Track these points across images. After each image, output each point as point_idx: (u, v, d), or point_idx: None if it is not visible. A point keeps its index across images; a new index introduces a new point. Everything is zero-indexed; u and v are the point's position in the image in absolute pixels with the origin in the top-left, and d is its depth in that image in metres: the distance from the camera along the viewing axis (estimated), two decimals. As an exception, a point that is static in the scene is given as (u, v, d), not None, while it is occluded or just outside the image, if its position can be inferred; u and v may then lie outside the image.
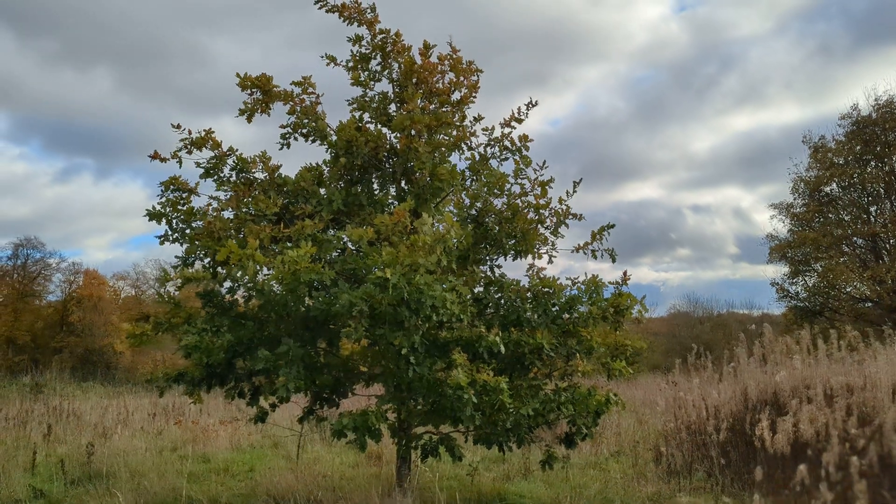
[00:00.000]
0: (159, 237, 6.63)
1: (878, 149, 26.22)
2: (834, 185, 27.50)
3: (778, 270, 30.35)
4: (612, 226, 7.28)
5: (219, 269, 6.26)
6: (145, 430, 12.52)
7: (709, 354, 10.14)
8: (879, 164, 26.56)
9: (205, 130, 6.50)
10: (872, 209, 27.26)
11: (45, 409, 15.07)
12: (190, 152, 6.52)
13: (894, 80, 48.80)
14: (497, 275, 7.20)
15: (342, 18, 7.00)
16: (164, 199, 6.61)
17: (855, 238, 27.27)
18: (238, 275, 5.81)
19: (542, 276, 7.05)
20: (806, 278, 28.56)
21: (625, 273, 6.94)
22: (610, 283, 6.94)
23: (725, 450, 7.48)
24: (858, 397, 5.18)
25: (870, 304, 25.30)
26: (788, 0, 60.66)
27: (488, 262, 7.26)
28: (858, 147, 26.53)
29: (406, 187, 6.98)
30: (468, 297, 6.58)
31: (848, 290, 27.00)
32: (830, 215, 27.85)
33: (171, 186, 6.55)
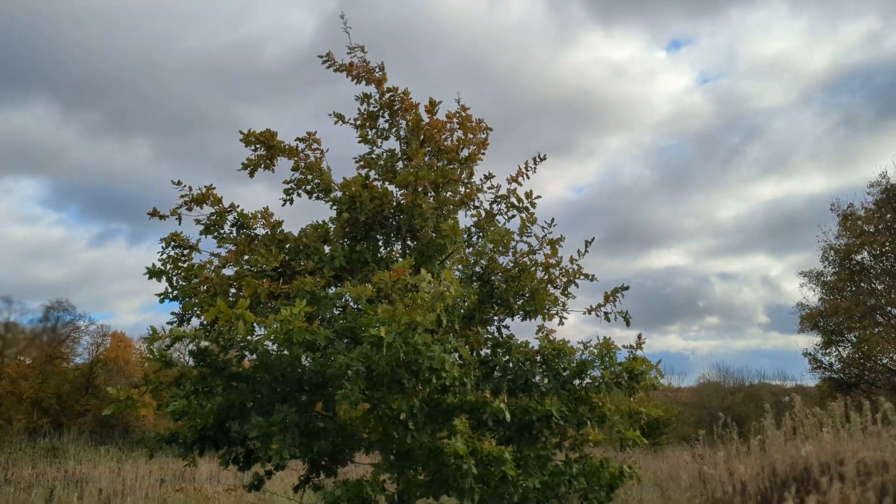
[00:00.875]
0: (159, 295, 6.49)
1: (910, 216, 25.63)
2: (865, 253, 26.83)
3: (810, 340, 29.44)
4: (626, 287, 7.01)
5: (212, 328, 6.07)
6: (149, 498, 12.13)
7: (735, 426, 9.60)
8: (912, 233, 25.91)
9: (205, 187, 6.45)
10: (906, 278, 26.45)
11: (57, 472, 14.80)
12: (190, 209, 6.45)
13: (923, 149, 48.71)
14: (505, 336, 6.90)
15: (350, 77, 7.00)
16: (164, 256, 6.51)
17: (889, 308, 26.38)
18: (230, 334, 5.61)
19: (552, 338, 6.74)
20: (839, 349, 27.57)
21: (639, 336, 6.61)
22: (624, 346, 6.61)
23: (752, 531, 6.90)
24: (893, 474, 4.73)
25: (908, 377, 24.22)
26: (811, 73, 61.30)
27: (496, 323, 6.98)
28: (889, 215, 25.98)
29: (411, 244, 6.80)
30: (471, 358, 6.29)
31: (884, 361, 25.96)
32: (863, 284, 27.06)
33: (172, 243, 6.45)
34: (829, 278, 27.67)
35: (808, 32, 62.60)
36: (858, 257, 26.89)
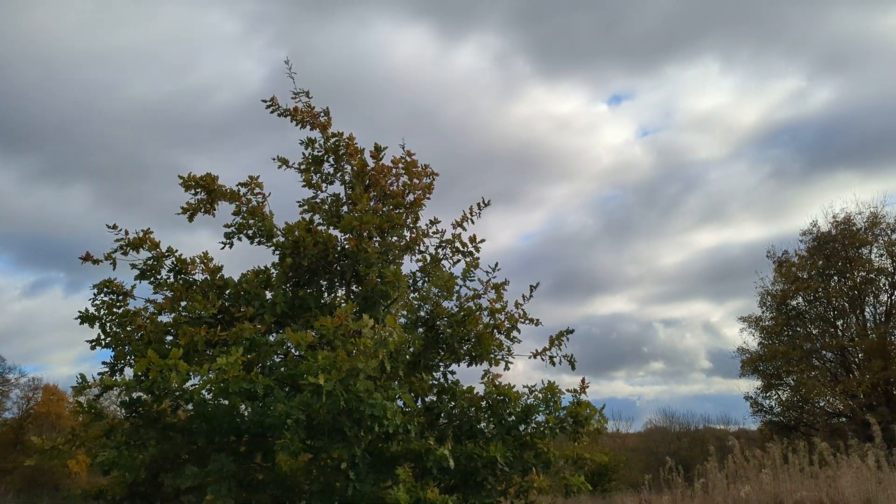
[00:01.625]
0: (91, 342, 6.24)
1: (840, 264, 26.74)
2: (800, 298, 27.79)
3: (751, 384, 30.11)
4: (571, 331, 7.06)
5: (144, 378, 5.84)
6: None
7: (681, 470, 9.67)
8: (842, 279, 26.99)
9: (143, 231, 6.27)
10: (839, 323, 27.43)
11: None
12: (126, 253, 6.26)
13: (850, 200, 51.34)
14: (450, 382, 6.83)
15: (295, 122, 6.99)
16: (98, 302, 6.28)
17: (824, 351, 27.26)
18: (163, 384, 5.40)
19: (497, 383, 6.71)
20: (779, 392, 28.25)
21: (583, 380, 6.63)
22: (568, 391, 6.62)
23: (698, 576, 6.91)
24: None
25: (843, 420, 24.90)
26: (743, 127, 64.60)
27: (441, 368, 6.92)
28: (821, 262, 27.05)
29: (356, 290, 6.73)
30: (415, 405, 6.20)
31: (821, 404, 26.69)
32: (798, 328, 27.94)
33: (105, 289, 6.23)
34: (766, 323, 28.48)
35: (739, 90, 65.98)
36: (794, 302, 27.80)
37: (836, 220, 26.91)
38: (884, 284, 26.41)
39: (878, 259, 26.44)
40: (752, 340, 29.72)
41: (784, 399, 27.72)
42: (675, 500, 8.90)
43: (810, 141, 58.96)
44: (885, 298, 26.48)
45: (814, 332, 27.64)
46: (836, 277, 27.13)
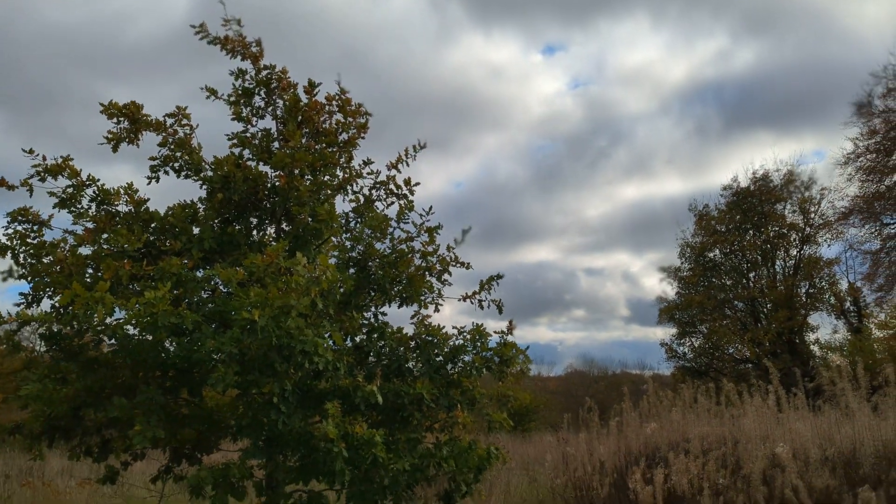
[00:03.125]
0: (2, 273, 5.98)
1: (756, 219, 28.03)
2: (717, 251, 29.09)
3: (667, 332, 31.54)
4: (501, 276, 7.20)
5: (66, 311, 5.66)
6: (-10, 495, 11.17)
7: (598, 410, 10.13)
8: (757, 233, 28.34)
9: (62, 157, 5.97)
10: (751, 275, 28.92)
11: None
12: (43, 180, 5.96)
13: (769, 158, 53.50)
14: (380, 322, 6.90)
15: (225, 51, 6.71)
16: (11, 232, 5.99)
17: (736, 301, 28.76)
18: (86, 317, 5.25)
19: (427, 324, 6.82)
20: (692, 339, 29.78)
21: (510, 322, 6.82)
22: (495, 332, 6.80)
23: (608, 506, 7.35)
24: (730, 449, 5.19)
25: (750, 366, 26.54)
26: (670, 83, 66.02)
27: (372, 309, 6.97)
28: (738, 216, 28.28)
29: (286, 228, 6.65)
30: (345, 344, 6.26)
31: (730, 351, 28.32)
32: (714, 279, 29.33)
33: (20, 217, 5.94)
34: (684, 273, 29.77)
35: (668, 46, 67.15)
36: (711, 254, 29.12)
37: (755, 177, 28.09)
38: (794, 239, 27.93)
39: (790, 215, 27.88)
40: (669, 290, 31.10)
41: (697, 346, 29.30)
42: (590, 437, 9.34)
43: (733, 100, 60.90)
44: (795, 253, 28.06)
45: (728, 283, 29.09)
46: (751, 232, 28.49)
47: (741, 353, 27.71)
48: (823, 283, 27.55)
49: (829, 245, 36.59)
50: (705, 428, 6.51)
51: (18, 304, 5.79)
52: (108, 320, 5.28)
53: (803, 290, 27.61)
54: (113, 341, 5.51)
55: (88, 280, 5.78)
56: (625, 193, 66.48)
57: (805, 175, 28.31)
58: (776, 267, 28.43)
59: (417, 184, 6.93)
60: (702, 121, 62.27)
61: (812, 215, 27.41)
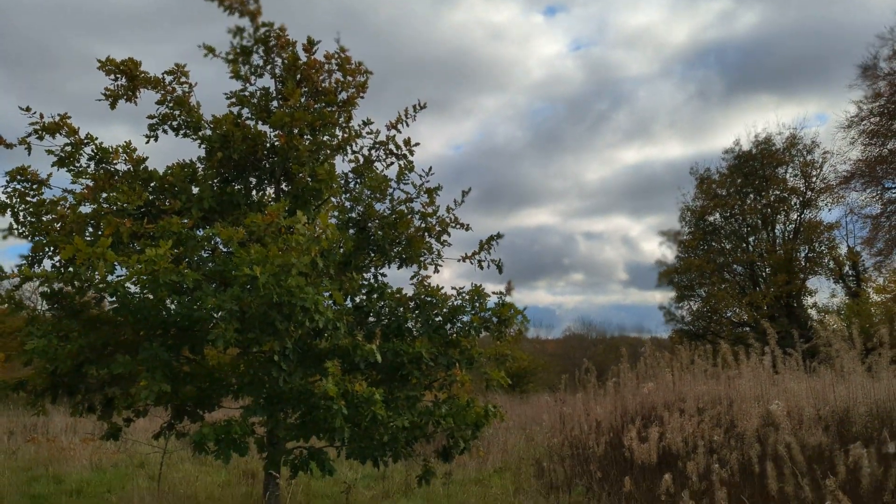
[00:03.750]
0: (2, 231, 5.98)
1: (757, 182, 27.95)
2: (717, 214, 29.08)
3: (665, 295, 31.75)
4: (501, 236, 7.20)
5: (67, 268, 5.68)
6: (-4, 450, 11.35)
7: (595, 371, 10.23)
8: (757, 197, 28.29)
9: (59, 115, 5.93)
10: (751, 239, 28.96)
11: None
12: (41, 138, 5.92)
13: (772, 122, 52.90)
14: (380, 282, 6.94)
15: (223, 7, 6.59)
16: (10, 190, 5.98)
17: (735, 265, 28.86)
18: (88, 275, 5.27)
19: (426, 284, 6.86)
20: (691, 303, 29.96)
21: (509, 283, 6.85)
22: (494, 293, 6.84)
23: (604, 463, 7.48)
24: (725, 408, 5.26)
25: (747, 329, 26.73)
26: (672, 46, 65.06)
27: (372, 270, 7.00)
28: (739, 180, 28.19)
29: (285, 188, 6.64)
30: (345, 304, 6.30)
31: (728, 314, 28.50)
32: (713, 243, 29.38)
33: (19, 176, 5.93)
34: (685, 237, 29.80)
35: (671, 8, 65.99)
36: (711, 218, 29.11)
37: (758, 140, 27.92)
38: (795, 203, 27.88)
39: (792, 179, 27.77)
40: (669, 254, 31.19)
41: (695, 309, 29.48)
42: (587, 398, 9.45)
43: (735, 62, 60.13)
44: (795, 217, 28.03)
45: (727, 246, 29.15)
46: (752, 195, 28.43)
47: (739, 317, 27.91)
48: (823, 248, 27.60)
49: (829, 209, 36.62)
50: (701, 388, 6.59)
51: (20, 265, 5.81)
52: (109, 278, 5.32)
53: (802, 255, 27.67)
54: (114, 300, 5.53)
55: (89, 238, 5.79)
56: (625, 157, 66.14)
57: (807, 138, 28.13)
58: (776, 231, 28.45)
59: (417, 144, 6.90)
60: (704, 84, 61.60)
61: (813, 179, 27.33)
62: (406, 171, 6.82)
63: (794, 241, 27.43)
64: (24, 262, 5.90)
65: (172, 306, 5.56)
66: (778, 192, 27.79)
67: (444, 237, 7.03)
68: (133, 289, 5.43)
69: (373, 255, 6.96)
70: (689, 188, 30.79)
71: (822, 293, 57.70)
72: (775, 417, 4.20)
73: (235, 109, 6.61)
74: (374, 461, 6.16)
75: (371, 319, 6.83)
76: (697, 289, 29.42)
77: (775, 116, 60.39)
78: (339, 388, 5.35)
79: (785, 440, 4.18)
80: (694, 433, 4.63)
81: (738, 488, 4.21)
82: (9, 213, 5.91)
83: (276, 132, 6.37)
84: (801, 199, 27.65)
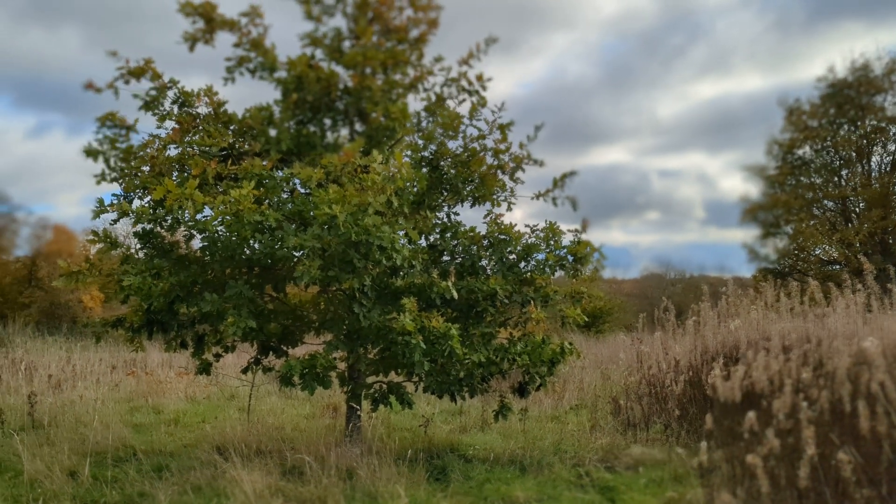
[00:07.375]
0: (96, 176, 6.26)
1: (852, 112, 26.18)
2: (807, 147, 27.52)
3: (749, 233, 30.49)
4: (574, 173, 7.04)
5: (158, 208, 5.92)
6: (101, 383, 12.23)
7: (674, 311, 10.03)
8: (852, 128, 26.55)
9: (144, 59, 6.10)
10: (843, 172, 27.35)
11: (4, 360, 14.68)
12: (127, 82, 6.11)
13: (870, 46, 49.03)
14: (453, 221, 6.94)
15: (293, -53, 6.57)
16: (101, 136, 6.23)
17: (825, 200, 27.42)
18: (179, 213, 5.49)
19: (499, 223, 6.82)
20: (776, 241, 28.75)
21: (584, 220, 6.74)
22: (569, 230, 6.75)
23: (682, 402, 7.40)
24: (814, 347, 5.07)
25: (837, 267, 25.54)
26: (752, -28, 60.49)
27: (445, 209, 7.00)
28: (833, 110, 26.49)
29: (359, 128, 6.67)
30: (420, 242, 6.36)
31: (817, 252, 27.25)
32: (802, 178, 27.91)
33: (108, 122, 6.16)
34: (771, 172, 28.41)
35: (751, -67, 61.17)
36: (800, 151, 27.59)
37: (854, 66, 26.02)
38: (893, 134, 26.03)
39: (891, 107, 25.86)
40: (754, 190, 29.85)
41: (781, 247, 28.30)
42: (665, 337, 9.31)
43: (817, -10, 55.58)
44: (893, 148, 26.21)
45: (817, 181, 27.64)
46: (846, 126, 26.70)
47: (829, 255, 26.64)
48: (923, 180, 25.80)
49: (932, 140, 33.99)
50: (787, 326, 6.35)
51: (117, 200, 6.10)
52: (198, 217, 5.54)
53: (901, 188, 25.97)
54: (202, 238, 5.77)
55: (176, 181, 6.01)
56: (701, 91, 62.98)
57: (911, 63, 25.98)
58: (871, 163, 26.74)
59: (490, 79, 6.76)
60: (784, 12, 57.42)
61: (916, 107, 25.37)
62: (479, 107, 6.71)
63: (891, 174, 25.74)
64: (117, 203, 6.19)
65: (256, 245, 5.74)
66: (875, 122, 25.98)
67: (518, 174, 6.94)
68: (219, 228, 5.63)
69: (446, 193, 6.94)
70: (776, 120, 29.12)
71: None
72: (869, 355, 4.02)
73: (309, 51, 6.63)
74: (451, 396, 6.30)
75: (445, 258, 6.87)
76: (784, 226, 28.15)
77: (874, 40, 55.84)
78: (416, 324, 5.45)
79: (879, 378, 4.01)
80: (780, 371, 4.50)
81: (826, 427, 4.09)
82: (101, 158, 6.17)
83: (350, 72, 6.37)
84: (901, 128, 25.79)
